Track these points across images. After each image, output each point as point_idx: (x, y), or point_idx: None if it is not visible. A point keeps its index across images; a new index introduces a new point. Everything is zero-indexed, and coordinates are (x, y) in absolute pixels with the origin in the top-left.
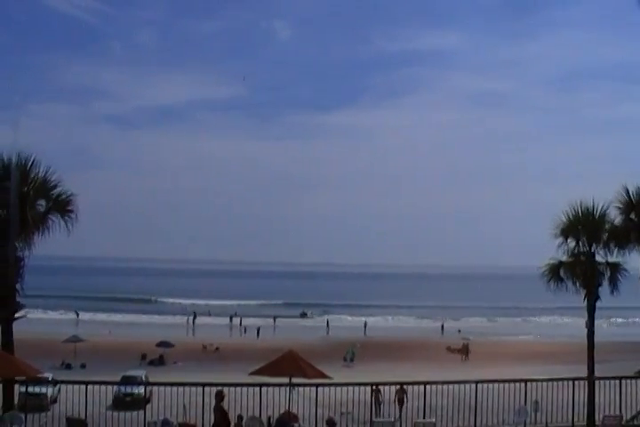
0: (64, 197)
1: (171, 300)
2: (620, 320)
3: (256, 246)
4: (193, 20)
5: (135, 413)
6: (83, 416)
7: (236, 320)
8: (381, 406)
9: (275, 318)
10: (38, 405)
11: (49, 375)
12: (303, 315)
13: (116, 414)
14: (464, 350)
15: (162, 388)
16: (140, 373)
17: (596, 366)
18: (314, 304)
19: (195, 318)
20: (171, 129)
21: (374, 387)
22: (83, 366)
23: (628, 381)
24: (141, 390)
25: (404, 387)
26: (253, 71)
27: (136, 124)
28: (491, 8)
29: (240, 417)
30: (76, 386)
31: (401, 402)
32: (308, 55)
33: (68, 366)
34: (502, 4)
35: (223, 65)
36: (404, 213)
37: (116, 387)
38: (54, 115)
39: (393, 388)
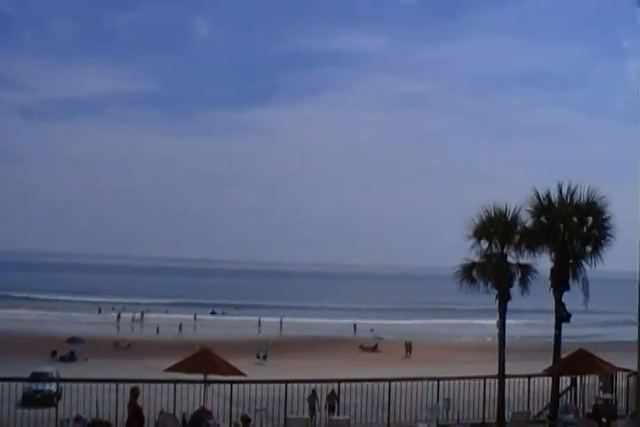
0: None
1: (82, 297)
2: (529, 321)
3: (172, 243)
4: (109, 11)
5: (46, 410)
6: None
7: (148, 317)
8: (316, 411)
9: (195, 315)
10: None
11: None
12: (213, 313)
13: (26, 411)
14: (374, 348)
15: (74, 384)
16: (51, 369)
17: (507, 365)
18: (227, 303)
19: (119, 315)
20: (85, 122)
21: (311, 392)
22: None
23: (536, 379)
24: (52, 386)
25: (335, 393)
26: (170, 66)
27: (49, 115)
28: (413, 11)
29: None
30: None
31: (332, 408)
32: (227, 52)
33: None
34: (425, 7)
35: (140, 59)
36: (324, 212)
37: (25, 384)
38: None
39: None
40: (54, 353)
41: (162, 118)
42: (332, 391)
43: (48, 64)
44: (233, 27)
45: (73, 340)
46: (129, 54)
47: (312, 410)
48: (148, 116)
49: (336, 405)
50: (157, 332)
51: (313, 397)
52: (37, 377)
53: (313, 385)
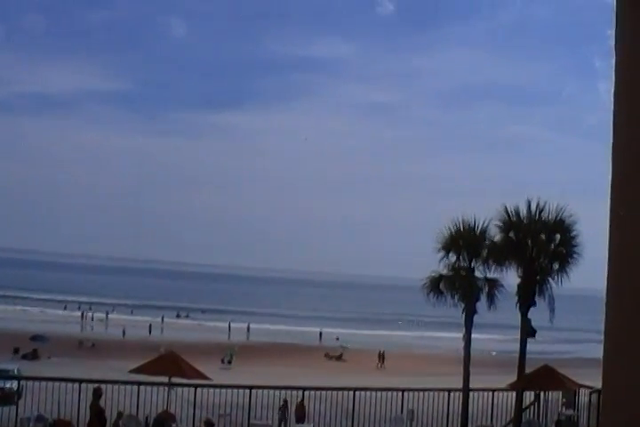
0: None
1: (46, 295)
2: (495, 336)
3: (140, 243)
4: (82, 7)
5: (6, 408)
6: None
7: (113, 318)
8: (286, 422)
9: (162, 317)
10: None
11: None
12: (178, 316)
13: None
14: (339, 357)
15: (36, 383)
16: (12, 366)
17: (471, 378)
18: (193, 307)
19: (83, 315)
20: (54, 118)
21: (282, 402)
22: None
23: (500, 393)
24: (13, 384)
25: (304, 403)
26: (143, 66)
27: (16, 110)
28: (389, 21)
29: (120, 414)
30: None
31: (301, 419)
32: (201, 53)
33: None
34: (400, 17)
35: (112, 57)
36: (290, 218)
37: None
38: None
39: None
40: (16, 351)
41: (131, 118)
42: (301, 402)
43: (18, 58)
44: (208, 29)
45: (36, 338)
46: (101, 52)
47: (284, 420)
48: (118, 115)
49: (305, 415)
50: (123, 332)
51: (285, 407)
52: None
53: (284, 395)
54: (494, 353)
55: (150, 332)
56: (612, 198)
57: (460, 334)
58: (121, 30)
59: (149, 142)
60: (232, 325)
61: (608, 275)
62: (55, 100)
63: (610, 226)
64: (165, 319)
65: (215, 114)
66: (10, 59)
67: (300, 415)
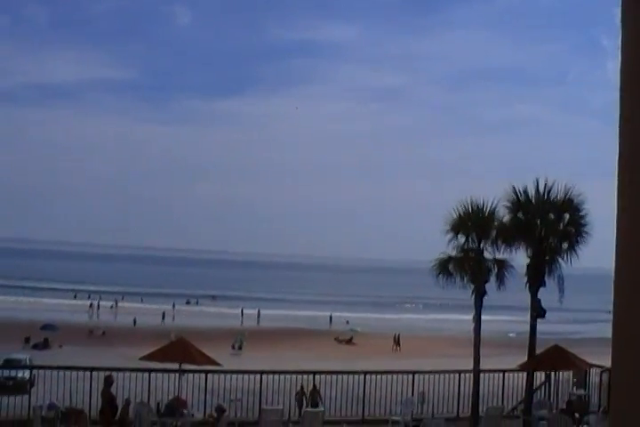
0: None
1: (56, 284)
2: (505, 317)
3: (150, 232)
4: None
5: (19, 397)
6: None
7: (123, 306)
8: (302, 409)
9: (174, 304)
10: None
11: None
12: (188, 302)
13: None
14: (349, 340)
15: (47, 372)
16: (24, 356)
17: (482, 360)
18: (203, 293)
19: (91, 304)
20: (59, 108)
21: (299, 388)
22: None
23: (511, 374)
24: (25, 373)
25: (317, 388)
26: (147, 54)
27: (21, 101)
28: (392, 4)
29: (127, 401)
30: None
31: (316, 404)
32: (206, 42)
33: None
34: (403, 1)
35: (116, 46)
36: (298, 204)
37: None
38: None
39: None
40: (27, 340)
41: (136, 106)
42: (315, 387)
43: (22, 48)
44: (212, 16)
45: (47, 327)
46: (106, 41)
47: (300, 407)
48: (123, 104)
49: (319, 401)
50: (134, 320)
51: (301, 393)
52: (10, 364)
53: (294, 380)
54: (512, 334)
55: (164, 318)
56: (619, 178)
57: (470, 316)
58: (125, 19)
59: (154, 130)
60: (244, 311)
61: (616, 254)
62: (59, 90)
63: (617, 206)
64: (176, 306)
65: (219, 101)
66: (13, 49)
67: (315, 400)
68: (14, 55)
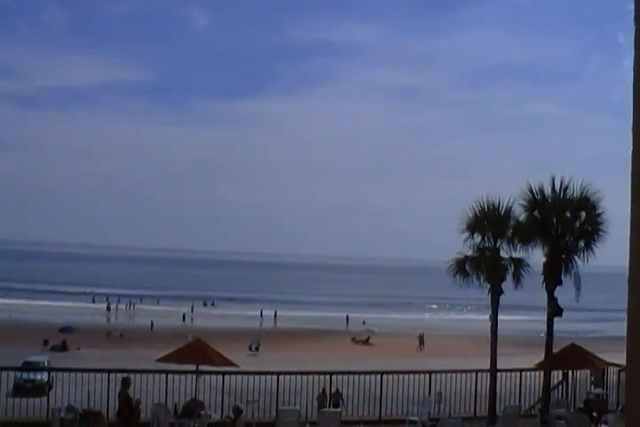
0: None
1: (74, 287)
2: (522, 316)
3: (166, 233)
4: (103, 0)
5: (37, 399)
6: None
7: (141, 308)
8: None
9: (192, 306)
10: None
11: None
12: (205, 304)
13: (17, 400)
14: (366, 341)
15: (65, 374)
16: (43, 358)
17: (498, 359)
18: (220, 295)
19: (108, 306)
20: (78, 111)
21: (320, 390)
22: None
23: (528, 373)
24: (44, 376)
25: (339, 390)
26: (166, 57)
27: (40, 104)
28: (407, 4)
29: (138, 401)
30: None
31: (337, 406)
32: (223, 43)
33: None
34: (420, 0)
35: (134, 49)
36: (314, 205)
37: (16, 373)
38: None
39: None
40: (46, 343)
41: (154, 108)
42: (337, 389)
43: (41, 52)
44: (229, 18)
45: (65, 329)
46: (123, 44)
47: (320, 408)
48: (142, 106)
49: (340, 402)
50: (151, 323)
51: (323, 395)
52: (28, 366)
53: (311, 380)
54: (542, 335)
55: (184, 320)
56: (632, 175)
57: (487, 316)
58: (142, 22)
59: (172, 131)
60: (259, 312)
61: (630, 253)
62: (78, 94)
63: (630, 203)
64: (193, 309)
65: (238, 102)
66: (32, 54)
67: (337, 403)
68: (33, 59)
